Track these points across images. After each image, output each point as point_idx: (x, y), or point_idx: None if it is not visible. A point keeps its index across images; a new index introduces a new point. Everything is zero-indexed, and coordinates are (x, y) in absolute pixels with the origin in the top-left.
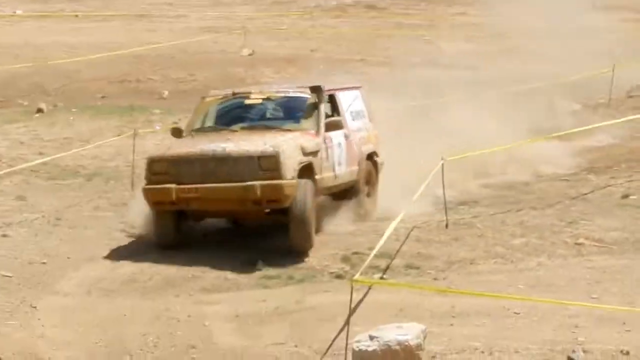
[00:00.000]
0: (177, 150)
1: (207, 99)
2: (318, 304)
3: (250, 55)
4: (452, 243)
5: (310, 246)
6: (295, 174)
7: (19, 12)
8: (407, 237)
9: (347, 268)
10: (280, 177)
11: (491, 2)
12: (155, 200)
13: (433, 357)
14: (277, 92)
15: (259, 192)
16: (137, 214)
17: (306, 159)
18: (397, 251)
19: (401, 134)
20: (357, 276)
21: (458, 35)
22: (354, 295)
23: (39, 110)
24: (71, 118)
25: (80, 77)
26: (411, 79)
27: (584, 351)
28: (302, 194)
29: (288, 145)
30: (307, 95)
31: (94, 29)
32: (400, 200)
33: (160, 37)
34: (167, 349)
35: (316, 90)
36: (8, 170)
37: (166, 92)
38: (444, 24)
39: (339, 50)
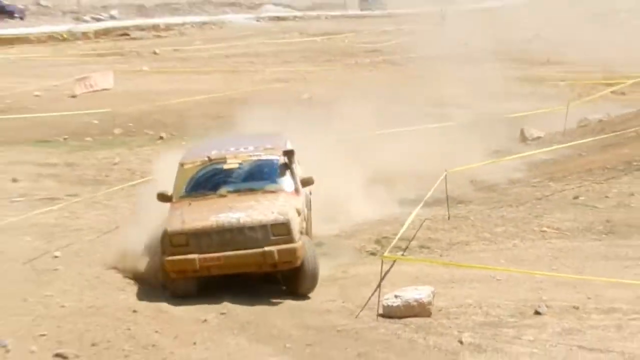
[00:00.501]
0: (194, 223)
1: (187, 166)
2: (358, 273)
3: (309, 98)
4: (453, 230)
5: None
6: (299, 235)
7: (144, 68)
8: (420, 226)
9: (379, 248)
10: (291, 241)
11: (480, 62)
12: (178, 270)
13: (440, 310)
14: (250, 155)
15: (276, 257)
16: None
17: (301, 219)
18: (414, 236)
19: (407, 143)
20: (385, 253)
21: (455, 84)
22: (384, 267)
23: (160, 138)
24: (183, 143)
25: (189, 114)
26: (419, 114)
27: (547, 306)
28: (311, 251)
29: (290, 209)
30: (277, 156)
31: (198, 80)
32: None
33: (245, 85)
34: (247, 304)
35: (288, 153)
36: (140, 180)
37: None
38: (444, 76)
39: (370, 94)
